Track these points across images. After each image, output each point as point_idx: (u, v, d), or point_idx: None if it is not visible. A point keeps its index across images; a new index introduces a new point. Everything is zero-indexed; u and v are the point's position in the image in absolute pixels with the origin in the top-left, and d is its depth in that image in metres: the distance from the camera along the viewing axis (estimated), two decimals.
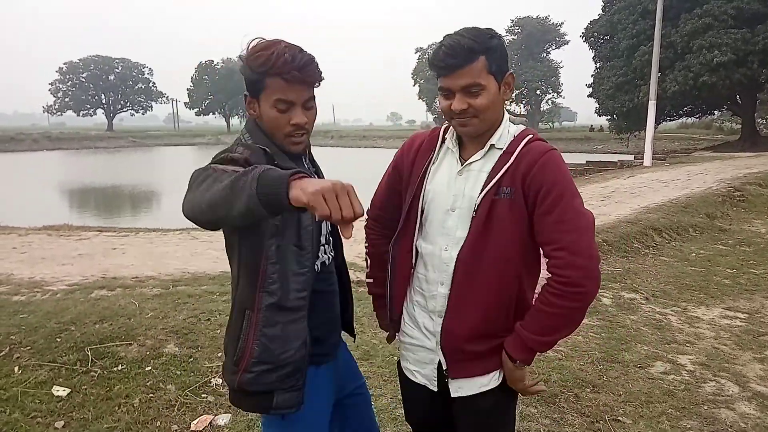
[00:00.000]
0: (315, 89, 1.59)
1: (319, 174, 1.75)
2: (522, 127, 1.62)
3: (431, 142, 1.68)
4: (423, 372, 1.71)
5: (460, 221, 1.57)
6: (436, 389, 1.69)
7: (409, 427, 1.98)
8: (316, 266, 1.61)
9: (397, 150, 1.80)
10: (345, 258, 1.84)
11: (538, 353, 1.60)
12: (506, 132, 1.58)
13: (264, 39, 1.56)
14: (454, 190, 1.59)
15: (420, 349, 1.71)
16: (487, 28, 1.53)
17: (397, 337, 1.88)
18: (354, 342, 2.04)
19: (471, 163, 1.58)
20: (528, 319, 1.55)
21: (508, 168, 1.51)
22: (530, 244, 1.57)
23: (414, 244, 1.69)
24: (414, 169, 1.67)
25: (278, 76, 1.49)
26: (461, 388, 1.65)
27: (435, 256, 1.63)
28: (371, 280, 1.90)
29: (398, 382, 1.90)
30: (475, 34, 1.48)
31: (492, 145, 1.56)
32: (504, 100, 1.57)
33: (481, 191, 1.52)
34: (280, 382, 1.54)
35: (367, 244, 1.89)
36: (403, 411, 1.96)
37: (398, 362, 1.86)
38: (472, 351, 1.61)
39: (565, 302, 1.47)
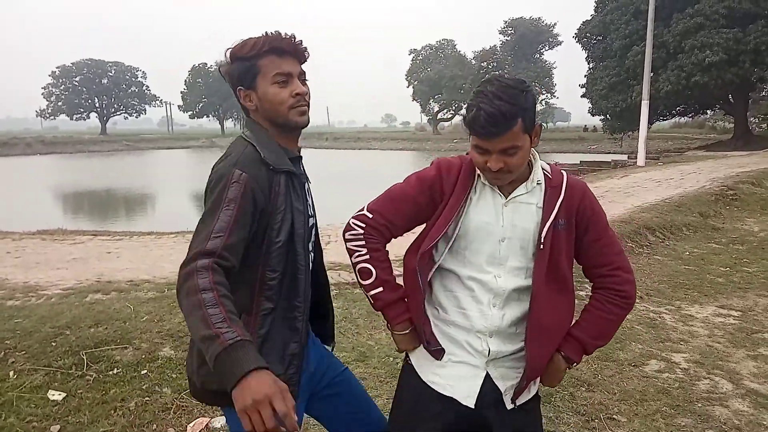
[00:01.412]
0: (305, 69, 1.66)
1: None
2: (544, 163, 1.71)
3: (469, 170, 1.68)
4: (458, 386, 1.68)
5: (511, 251, 1.65)
6: (473, 406, 1.66)
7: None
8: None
9: (425, 167, 1.78)
10: (323, 262, 1.86)
11: None
12: (539, 167, 1.68)
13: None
14: (502, 221, 1.65)
15: (460, 365, 1.69)
16: (519, 82, 1.54)
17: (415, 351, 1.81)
18: (332, 350, 1.95)
19: (516, 196, 1.65)
20: (586, 325, 1.73)
21: (562, 202, 1.64)
22: None
23: (443, 266, 1.70)
24: (455, 194, 1.67)
25: (271, 52, 1.57)
26: (521, 397, 1.73)
27: (488, 282, 1.66)
28: (381, 289, 1.72)
29: (400, 389, 1.82)
30: (511, 96, 1.49)
31: (537, 182, 1.67)
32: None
33: (544, 225, 1.62)
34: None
35: (364, 251, 1.72)
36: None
37: (410, 373, 1.78)
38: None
39: (622, 311, 1.72)
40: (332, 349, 1.95)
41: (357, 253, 1.72)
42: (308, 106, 1.64)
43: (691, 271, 6.30)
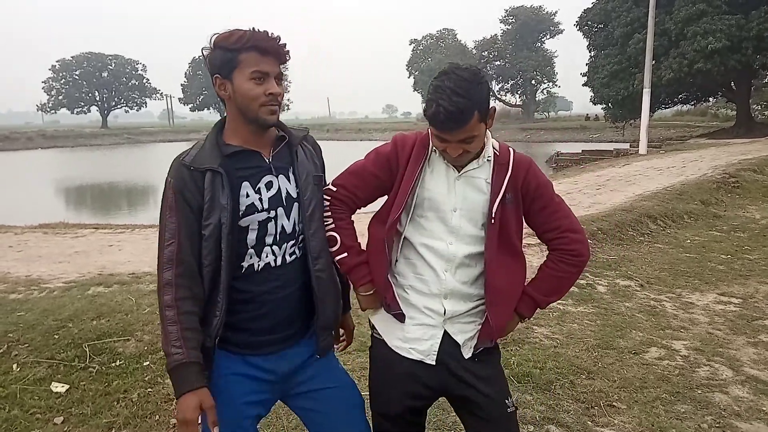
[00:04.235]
0: (284, 71, 1.73)
1: (294, 167, 1.77)
2: (494, 141, 1.82)
3: (423, 144, 1.81)
4: (420, 348, 1.83)
5: (464, 220, 1.79)
6: (434, 362, 1.82)
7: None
8: (256, 266, 1.70)
9: (385, 143, 1.91)
10: (331, 267, 1.85)
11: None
12: (490, 145, 1.80)
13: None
14: (454, 193, 1.78)
15: (420, 327, 1.84)
16: (473, 74, 1.64)
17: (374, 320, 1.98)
18: (317, 357, 1.86)
19: (468, 171, 1.78)
20: (538, 284, 1.89)
21: (509, 178, 1.76)
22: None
23: (401, 233, 1.83)
24: (409, 167, 1.80)
25: (253, 48, 1.62)
26: (478, 348, 1.85)
27: (440, 249, 1.80)
28: (345, 254, 1.85)
29: (372, 360, 1.99)
30: (467, 90, 1.59)
31: (487, 158, 1.79)
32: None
33: (494, 202, 1.75)
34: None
35: (330, 221, 1.86)
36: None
37: (377, 343, 1.94)
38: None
39: (573, 269, 1.85)
40: (316, 356, 1.86)
41: (324, 222, 1.86)
42: (279, 106, 1.70)
43: (692, 259, 6.30)
